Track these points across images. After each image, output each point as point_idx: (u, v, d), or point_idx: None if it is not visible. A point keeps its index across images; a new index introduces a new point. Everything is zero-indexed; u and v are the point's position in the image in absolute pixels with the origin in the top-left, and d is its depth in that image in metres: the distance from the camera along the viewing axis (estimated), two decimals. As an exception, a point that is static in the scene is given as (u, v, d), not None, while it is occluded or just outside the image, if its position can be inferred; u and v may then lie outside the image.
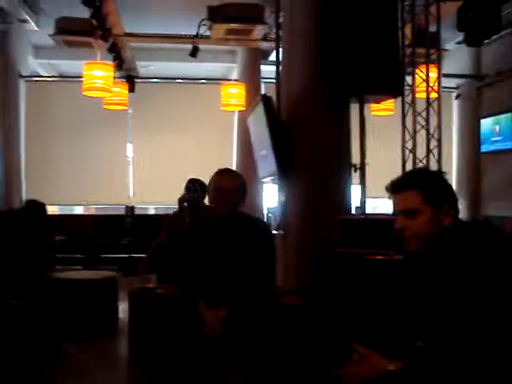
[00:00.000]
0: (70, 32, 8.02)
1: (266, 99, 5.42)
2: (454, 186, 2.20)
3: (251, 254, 3.20)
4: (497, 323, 1.80)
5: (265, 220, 6.84)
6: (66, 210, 12.01)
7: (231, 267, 3.19)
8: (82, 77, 8.18)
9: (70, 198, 11.15)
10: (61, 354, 4.69)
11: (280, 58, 5.95)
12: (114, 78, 8.53)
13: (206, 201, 4.37)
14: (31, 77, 11.12)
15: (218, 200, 3.26)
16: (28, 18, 9.23)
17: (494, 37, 7.18)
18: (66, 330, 5.09)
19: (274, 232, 5.17)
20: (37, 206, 6.27)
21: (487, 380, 1.78)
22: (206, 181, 3.55)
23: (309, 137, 5.21)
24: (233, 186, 3.27)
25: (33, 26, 9.54)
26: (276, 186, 6.02)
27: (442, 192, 2.06)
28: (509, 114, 9.75)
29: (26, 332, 4.26)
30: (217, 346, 2.97)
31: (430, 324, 1.98)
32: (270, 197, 9.07)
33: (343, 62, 4.89)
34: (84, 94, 8.22)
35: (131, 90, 10.00)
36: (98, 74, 7.90)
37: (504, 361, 1.77)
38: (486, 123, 10.51)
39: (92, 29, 7.79)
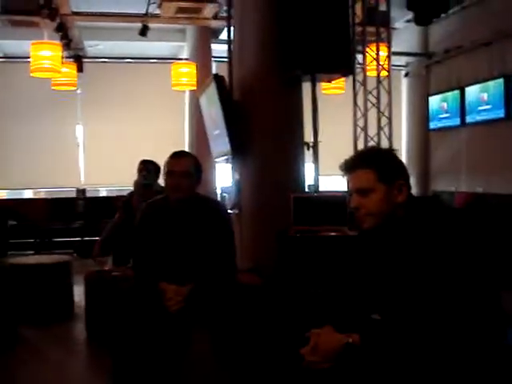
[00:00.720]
0: (16, 11, 7.81)
1: (218, 78, 5.40)
2: (404, 163, 2.23)
3: (209, 236, 3.18)
4: (448, 296, 1.84)
5: (219, 200, 6.86)
6: (15, 195, 11.71)
7: (189, 249, 3.16)
8: (28, 57, 7.96)
9: (18, 181, 10.89)
10: (17, 340, 4.63)
11: (232, 37, 5.94)
12: (62, 58, 8.33)
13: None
14: (-23, 58, 10.77)
15: (171, 185, 3.18)
16: (-29, -3, 8.91)
17: (442, 15, 7.32)
18: (22, 315, 5.02)
19: (229, 211, 5.19)
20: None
21: (441, 352, 1.83)
22: (160, 162, 3.48)
23: (262, 116, 5.22)
24: (185, 170, 3.16)
25: (-24, 6, 9.21)
26: (229, 166, 6.03)
27: (395, 169, 2.09)
28: (456, 92, 9.93)
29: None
30: (178, 323, 2.97)
31: (385, 298, 2.02)
32: (224, 176, 9.07)
33: (295, 41, 4.92)
34: (31, 75, 8.00)
35: (80, 69, 9.80)
36: (45, 54, 7.68)
37: (457, 333, 1.82)
38: (434, 100, 10.69)
39: (38, 8, 7.59)
